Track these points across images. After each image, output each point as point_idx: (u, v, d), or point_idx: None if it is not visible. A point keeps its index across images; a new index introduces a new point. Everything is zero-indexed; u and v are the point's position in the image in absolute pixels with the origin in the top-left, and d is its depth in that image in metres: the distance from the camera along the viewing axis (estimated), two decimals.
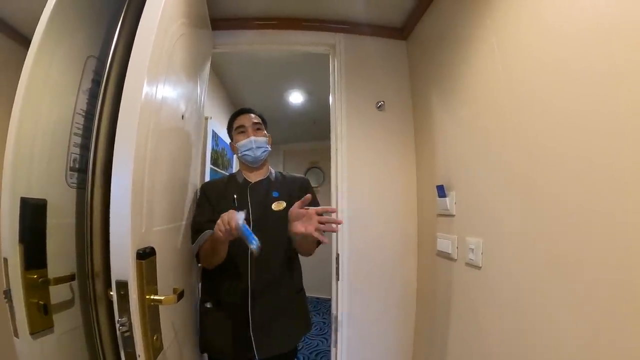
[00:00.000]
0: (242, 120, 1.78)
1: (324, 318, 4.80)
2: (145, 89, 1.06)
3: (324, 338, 4.17)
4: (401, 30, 2.34)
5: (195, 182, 1.81)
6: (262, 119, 1.85)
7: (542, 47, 1.17)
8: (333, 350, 2.19)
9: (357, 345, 2.16)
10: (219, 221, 1.33)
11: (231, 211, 1.34)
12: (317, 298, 5.49)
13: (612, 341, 0.89)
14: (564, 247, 1.05)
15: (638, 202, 0.82)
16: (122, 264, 0.99)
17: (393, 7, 2.14)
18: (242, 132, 1.76)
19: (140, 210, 1.07)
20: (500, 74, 1.39)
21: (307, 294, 1.87)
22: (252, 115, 1.81)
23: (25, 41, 2.13)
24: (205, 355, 1.75)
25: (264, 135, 1.79)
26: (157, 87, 1.17)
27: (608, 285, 0.90)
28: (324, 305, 5.29)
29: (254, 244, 1.30)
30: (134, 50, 1.10)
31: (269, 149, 1.80)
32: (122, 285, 0.99)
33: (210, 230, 1.56)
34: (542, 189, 1.16)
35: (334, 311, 2.21)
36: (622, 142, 0.87)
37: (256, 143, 1.73)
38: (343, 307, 2.15)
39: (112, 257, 0.99)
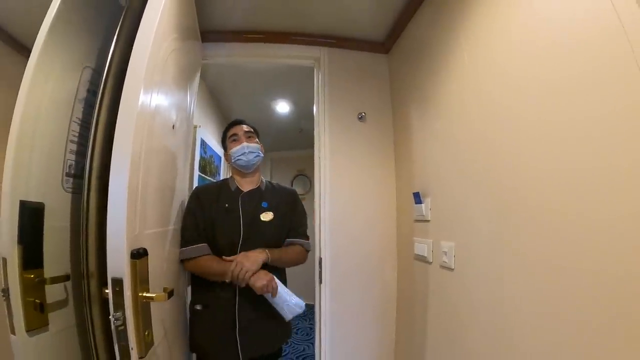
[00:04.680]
0: (235, 129, 1.87)
1: (310, 324, 4.83)
2: (141, 99, 1.14)
3: (310, 343, 4.23)
4: (383, 45, 2.43)
5: (183, 189, 1.87)
6: (254, 129, 1.93)
7: (510, 63, 1.26)
8: (317, 350, 2.26)
9: (340, 344, 2.22)
10: (265, 282, 1.54)
11: (271, 276, 1.58)
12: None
13: (576, 330, 0.97)
14: (531, 248, 1.14)
15: (599, 204, 0.90)
16: (118, 263, 1.05)
17: (375, 22, 2.24)
18: (235, 140, 1.84)
19: (134, 213, 1.14)
20: (471, 88, 1.49)
21: None
22: (245, 126, 1.89)
23: (8, 39, 2.15)
24: (194, 355, 1.80)
25: (256, 143, 1.87)
26: (151, 99, 1.24)
27: (572, 280, 0.98)
28: (310, 311, 5.19)
29: (288, 316, 1.61)
30: (130, 65, 1.17)
31: (262, 154, 1.87)
32: (118, 282, 1.05)
33: (205, 245, 1.67)
34: (510, 194, 1.24)
35: (317, 313, 2.27)
36: (584, 148, 0.95)
37: (248, 148, 1.80)
38: (326, 309, 2.21)
39: (109, 256, 1.06)
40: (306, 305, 1.69)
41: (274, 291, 1.56)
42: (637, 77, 0.80)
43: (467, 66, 1.52)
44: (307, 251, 1.89)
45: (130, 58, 1.19)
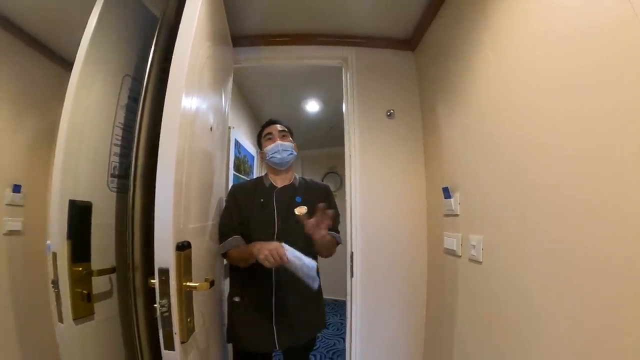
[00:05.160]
0: (270, 129, 1.94)
1: (341, 319, 4.88)
2: (183, 103, 1.22)
3: (340, 338, 4.27)
4: (409, 42, 2.44)
5: (221, 186, 1.96)
6: (288, 129, 2.00)
7: (533, 55, 1.26)
8: (347, 344, 2.30)
9: (370, 338, 2.26)
10: (266, 252, 1.44)
11: (277, 244, 1.50)
12: (335, 300, 5.53)
13: (597, 322, 0.98)
14: (557, 242, 1.14)
15: (626, 199, 0.89)
16: (164, 254, 1.14)
17: (400, 20, 2.26)
18: (270, 138, 1.92)
19: (179, 208, 1.22)
20: (497, 86, 1.50)
21: (324, 296, 1.96)
22: (279, 125, 1.96)
23: (21, 34, 2.06)
24: (230, 345, 1.89)
25: (290, 141, 1.94)
26: (191, 104, 1.32)
27: (594, 276, 0.99)
28: (341, 307, 5.27)
29: (310, 283, 1.57)
30: (171, 74, 1.26)
31: (295, 153, 1.93)
32: (164, 272, 1.13)
33: (239, 237, 1.73)
34: (537, 189, 1.24)
35: (348, 306, 2.31)
36: (613, 142, 0.93)
37: (282, 147, 1.87)
38: (357, 302, 2.26)
39: (156, 247, 1.14)
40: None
41: (283, 258, 1.45)
42: None
43: (492, 64, 1.52)
44: (338, 244, 1.93)
45: (171, 67, 1.27)
